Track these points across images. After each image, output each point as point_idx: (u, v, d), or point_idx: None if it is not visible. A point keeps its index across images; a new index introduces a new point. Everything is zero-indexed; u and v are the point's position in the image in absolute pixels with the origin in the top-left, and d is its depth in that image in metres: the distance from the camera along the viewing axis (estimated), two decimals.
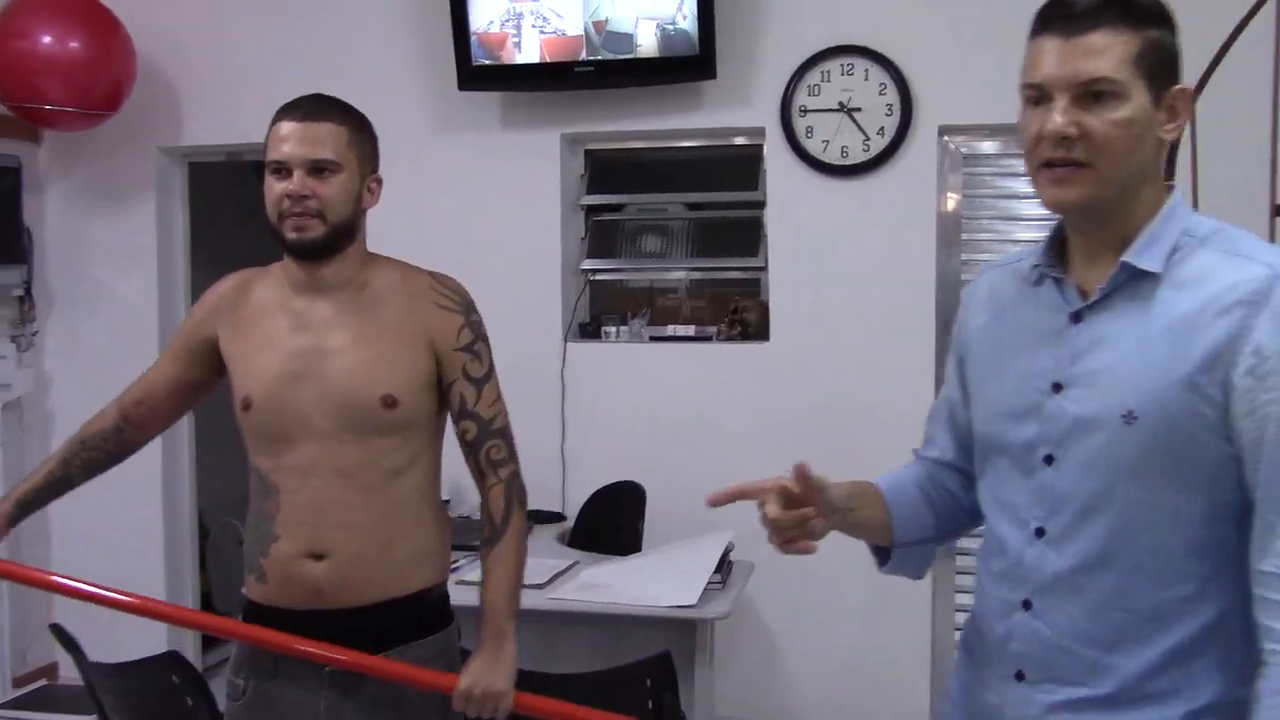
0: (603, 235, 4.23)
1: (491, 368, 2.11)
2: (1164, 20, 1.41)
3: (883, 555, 1.67)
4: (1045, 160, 1.39)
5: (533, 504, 3.89)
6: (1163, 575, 1.39)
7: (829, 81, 3.78)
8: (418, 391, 2.02)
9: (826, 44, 3.77)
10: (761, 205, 3.96)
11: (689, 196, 4.17)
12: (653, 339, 4.09)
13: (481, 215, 4.04)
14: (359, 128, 2.03)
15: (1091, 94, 1.37)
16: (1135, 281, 1.41)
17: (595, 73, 3.75)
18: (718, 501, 1.47)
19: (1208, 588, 1.39)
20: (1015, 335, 1.54)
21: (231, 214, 4.72)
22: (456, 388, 2.06)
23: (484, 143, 4.03)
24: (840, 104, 3.75)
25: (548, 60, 3.77)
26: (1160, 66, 1.39)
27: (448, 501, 2.12)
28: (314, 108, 1.98)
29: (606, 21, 3.70)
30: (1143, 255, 1.40)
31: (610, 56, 3.72)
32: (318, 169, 1.95)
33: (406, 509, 2.03)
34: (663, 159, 4.19)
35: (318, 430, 1.98)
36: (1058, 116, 1.37)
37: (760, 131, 3.88)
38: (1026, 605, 1.47)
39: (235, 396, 2.04)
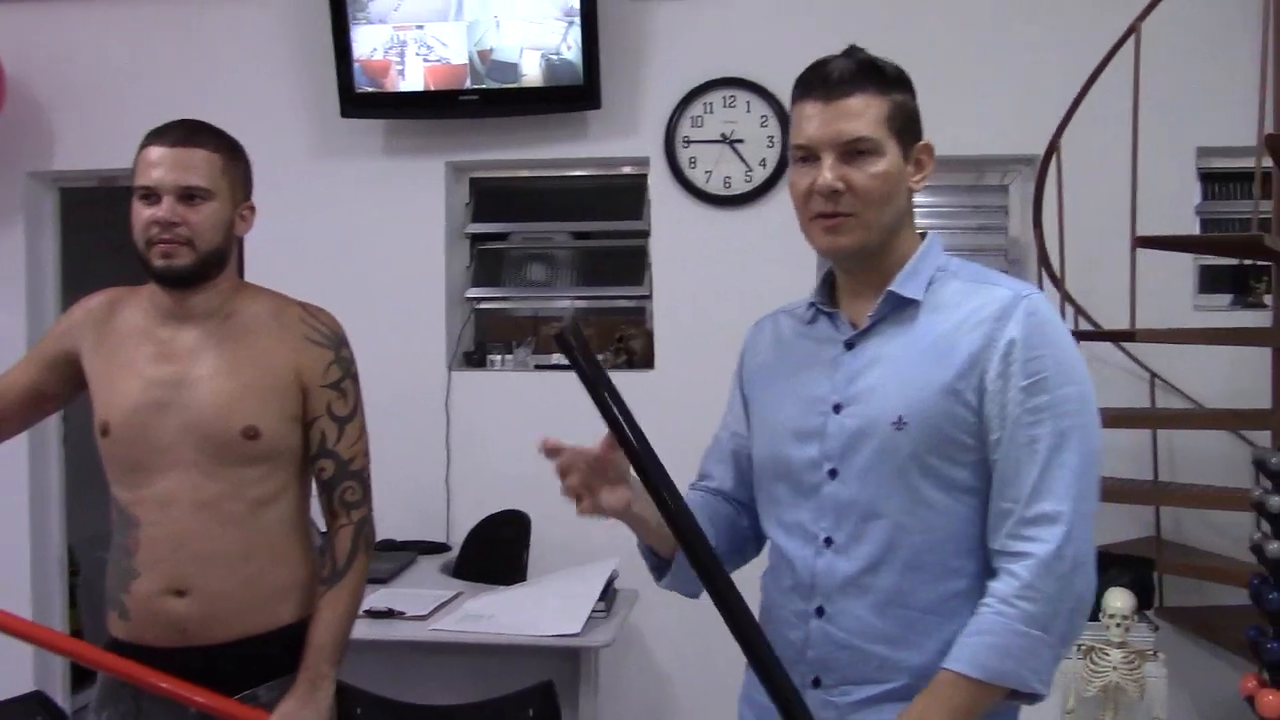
0: (488, 264, 4.22)
1: (358, 407, 2.09)
2: (907, 86, 1.60)
3: (661, 567, 1.71)
4: (818, 212, 1.55)
5: (417, 534, 3.93)
6: (938, 573, 1.53)
7: (711, 113, 3.83)
8: (283, 424, 1.99)
9: (709, 76, 3.82)
10: (646, 234, 4.00)
11: (574, 225, 4.19)
12: (537, 368, 4.08)
13: (365, 243, 3.99)
14: (232, 154, 2.00)
15: (854, 151, 1.53)
16: (899, 309, 1.58)
17: (480, 101, 3.74)
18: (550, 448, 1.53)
19: (979, 584, 1.52)
20: (796, 367, 1.68)
21: (107, 241, 4.58)
22: (319, 424, 2.04)
23: (367, 170, 3.99)
24: (723, 135, 3.81)
25: (432, 88, 3.75)
26: (907, 125, 1.57)
27: (325, 534, 2.10)
28: (186, 133, 1.94)
29: (491, 51, 3.70)
30: (905, 286, 1.57)
31: (495, 85, 3.72)
32: (188, 196, 1.92)
33: (272, 541, 1.99)
34: (548, 188, 4.20)
35: (178, 460, 1.93)
36: (827, 173, 1.53)
37: (645, 161, 3.92)
38: (820, 612, 1.58)
39: (95, 420, 1.98)
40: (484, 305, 4.21)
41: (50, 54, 4.06)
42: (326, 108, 3.88)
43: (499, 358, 4.08)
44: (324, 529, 2.09)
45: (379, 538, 3.83)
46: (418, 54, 3.73)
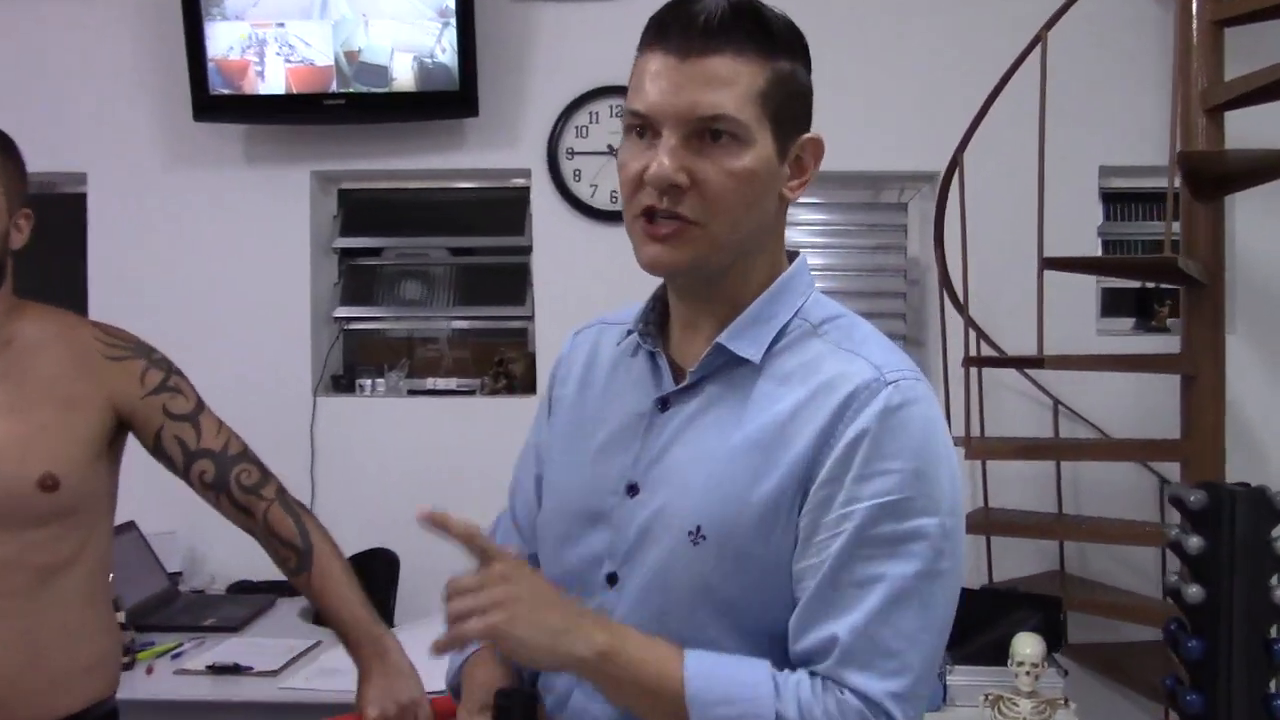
0: (359, 281, 3.92)
1: (200, 399, 1.81)
2: (797, 51, 1.17)
3: None
4: (646, 209, 1.13)
5: (277, 575, 3.59)
6: None
7: (597, 123, 3.60)
8: (86, 466, 1.69)
9: (595, 84, 3.59)
10: (528, 251, 3.75)
11: (452, 241, 3.92)
12: (411, 393, 3.80)
13: (223, 259, 3.67)
14: (3, 154, 1.70)
15: (708, 133, 1.11)
16: (732, 368, 1.18)
17: (347, 106, 3.46)
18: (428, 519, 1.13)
19: None
20: (600, 418, 1.28)
21: None
22: (168, 433, 1.75)
23: (225, 179, 3.67)
24: (609, 147, 3.59)
25: (294, 92, 3.46)
26: (788, 109, 1.15)
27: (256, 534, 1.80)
28: None
29: (359, 52, 3.43)
30: (741, 338, 1.18)
31: (363, 89, 3.44)
32: None
33: (62, 615, 1.69)
34: (424, 200, 3.92)
35: None
36: (665, 158, 1.11)
37: (526, 173, 3.67)
38: None
39: None
40: (354, 326, 3.91)
41: None
42: (179, 112, 3.55)
43: (369, 382, 3.79)
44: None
45: (237, 578, 3.56)
46: (279, 54, 3.43)
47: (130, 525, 3.34)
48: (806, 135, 1.19)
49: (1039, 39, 2.84)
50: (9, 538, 1.63)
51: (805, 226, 3.73)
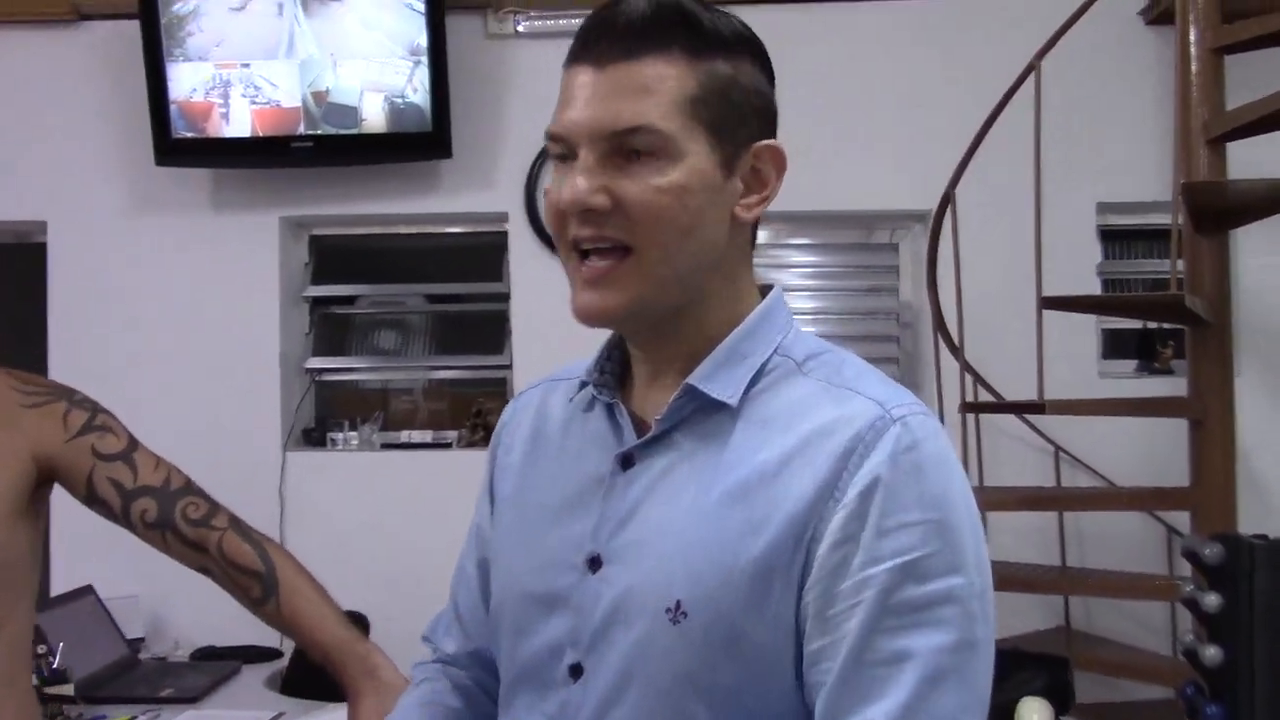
0: (331, 330, 3.78)
1: (133, 437, 1.65)
2: (739, 51, 1.03)
3: None
4: (573, 242, 1.00)
5: (245, 639, 3.43)
6: None
7: None
8: (4, 531, 1.53)
9: None
10: (507, 298, 3.61)
11: (427, 288, 3.78)
12: (385, 446, 3.65)
13: (188, 307, 3.53)
14: None
15: (630, 150, 0.97)
16: (706, 414, 1.02)
17: (315, 149, 3.33)
18: None
19: None
20: (553, 482, 1.11)
21: None
22: (99, 475, 1.59)
23: (191, 225, 3.53)
24: None
25: (260, 134, 3.33)
26: (731, 115, 1.01)
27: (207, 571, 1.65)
28: None
29: (327, 92, 3.30)
30: (714, 379, 1.02)
31: (332, 131, 3.32)
32: None
33: None
34: (399, 247, 3.79)
35: None
36: (580, 179, 0.97)
37: (504, 217, 3.54)
38: None
39: None
40: (327, 377, 3.76)
41: None
42: (142, 156, 3.42)
43: (341, 435, 3.63)
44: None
45: (203, 644, 3.39)
46: (244, 95, 3.31)
47: (87, 589, 3.18)
48: (762, 143, 1.04)
49: (1032, 68, 2.72)
50: None
51: (796, 269, 3.61)
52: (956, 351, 3.00)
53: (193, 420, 3.47)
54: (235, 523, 1.65)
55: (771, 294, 1.09)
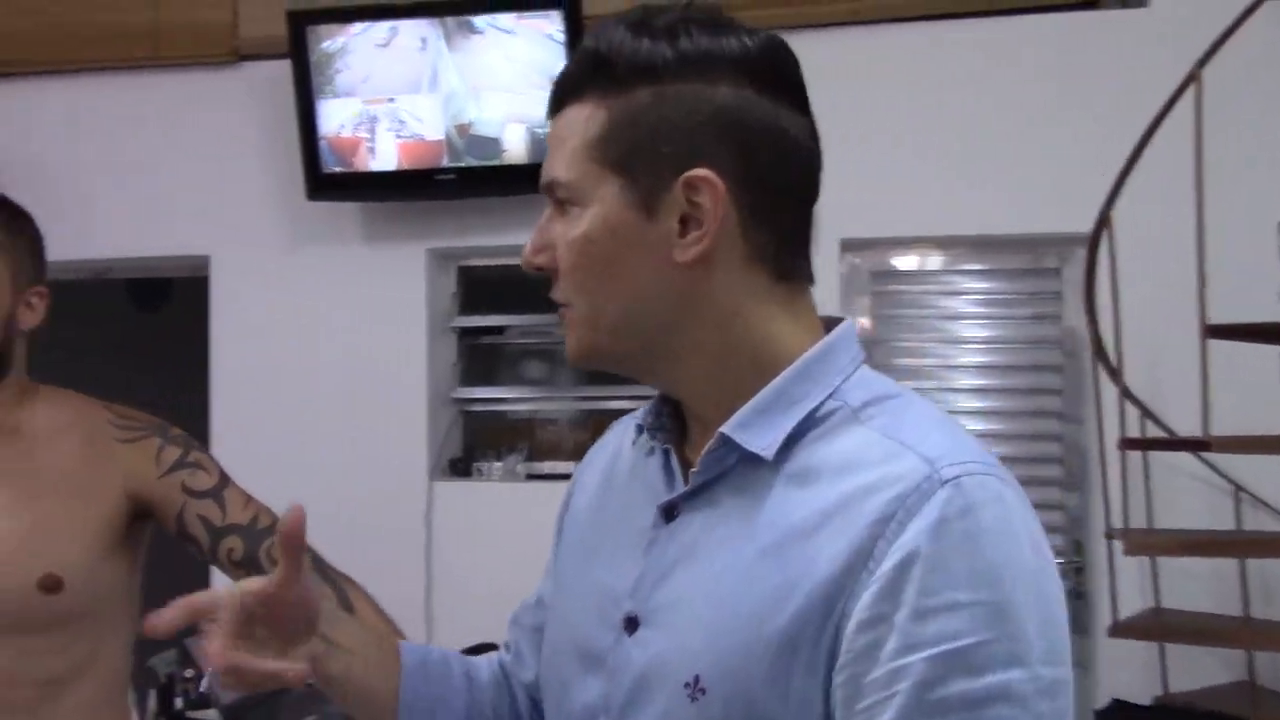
0: (479, 360, 3.80)
1: (225, 474, 1.65)
2: (663, 73, 0.91)
3: None
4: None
5: None
6: None
7: None
8: (94, 564, 1.55)
9: None
10: None
11: None
12: (530, 477, 3.63)
13: (339, 337, 3.61)
14: (11, 228, 1.58)
15: (558, 201, 0.95)
16: (747, 466, 0.92)
17: (458, 181, 3.36)
18: (159, 627, 0.91)
19: None
20: (610, 529, 1.03)
21: (66, 335, 4.29)
22: (190, 512, 1.59)
23: (342, 258, 3.61)
24: None
25: (405, 167, 3.38)
26: (645, 147, 0.90)
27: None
28: None
29: (470, 125, 3.33)
30: (750, 428, 0.91)
31: (475, 163, 3.34)
32: None
33: None
34: (546, 277, 3.77)
35: None
36: (530, 239, 0.99)
37: None
38: None
39: None
40: (474, 407, 3.78)
41: (27, 148, 3.75)
42: (295, 191, 3.52)
43: (488, 466, 3.64)
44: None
45: None
46: (389, 129, 3.36)
47: None
48: (690, 173, 0.90)
49: (1192, 77, 2.51)
50: (10, 645, 1.51)
51: (962, 295, 3.44)
52: (1115, 376, 2.79)
53: (344, 449, 3.54)
54: (317, 563, 1.63)
55: (837, 329, 0.96)
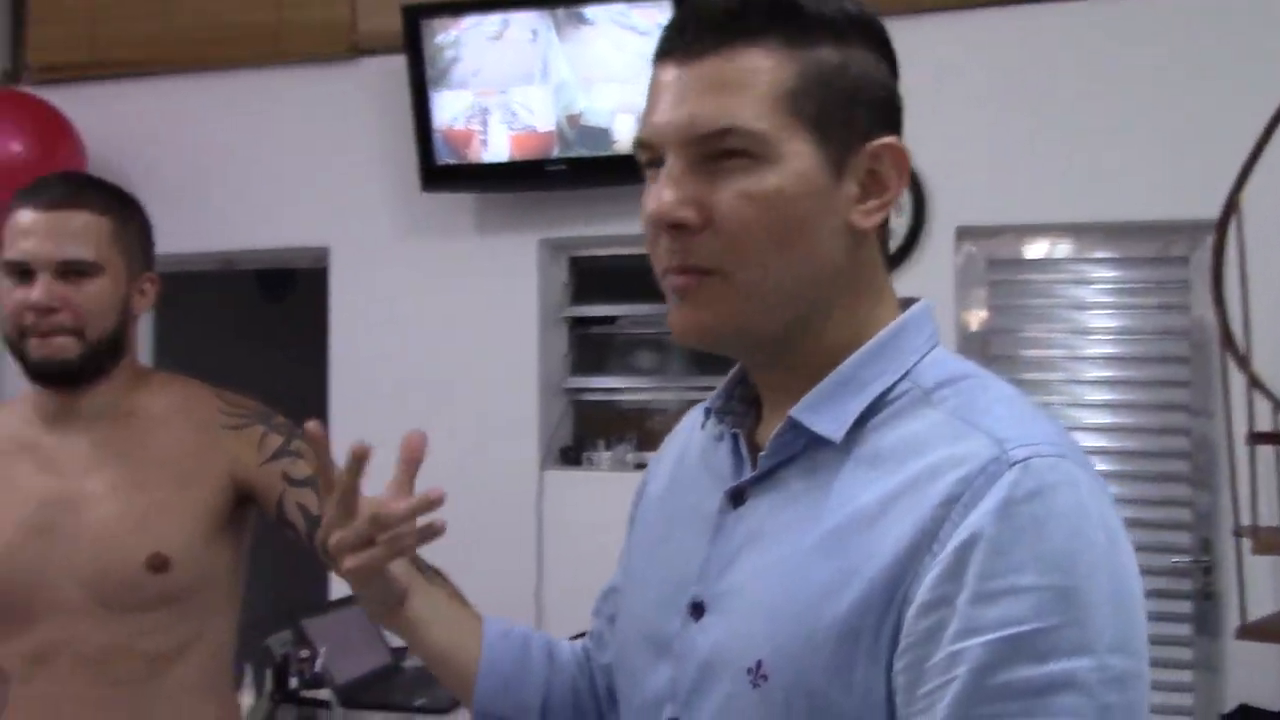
0: (590, 350, 3.81)
1: None
2: (850, 35, 0.90)
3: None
4: (664, 267, 0.91)
5: None
6: None
7: None
8: (200, 546, 1.60)
9: None
10: None
11: None
12: (639, 466, 3.63)
13: (453, 327, 3.66)
14: (123, 216, 1.63)
15: (720, 154, 0.87)
16: (815, 449, 0.90)
17: (569, 171, 3.37)
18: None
19: None
20: (680, 515, 1.01)
21: (201, 324, 4.44)
22: (289, 500, 1.63)
23: (456, 249, 3.66)
24: None
25: (517, 158, 3.41)
26: (839, 109, 0.88)
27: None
28: (66, 192, 1.58)
29: (581, 115, 3.33)
30: (819, 410, 0.90)
31: (585, 154, 3.34)
32: (70, 271, 1.56)
33: (176, 708, 1.59)
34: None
35: (63, 604, 1.55)
36: (665, 191, 0.87)
37: None
38: None
39: None
40: (584, 396, 3.79)
41: (132, 133, 3.90)
42: (410, 183, 3.57)
43: (598, 455, 3.65)
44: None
45: None
46: (502, 121, 3.39)
47: (354, 598, 3.32)
48: (879, 141, 0.90)
49: None
50: (118, 622, 1.56)
51: (1088, 285, 3.33)
52: (1244, 366, 2.67)
53: (456, 437, 3.58)
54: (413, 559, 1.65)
55: (911, 310, 0.95)
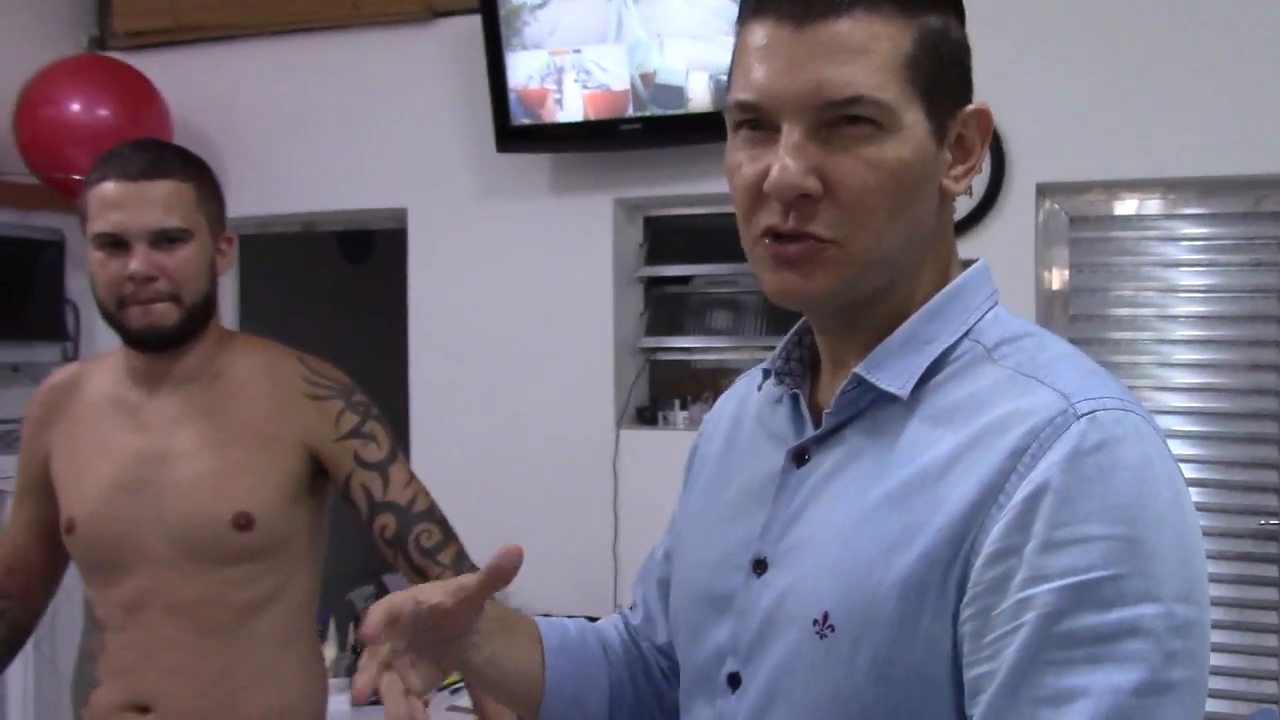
0: (665, 310, 3.81)
1: (395, 448, 1.73)
2: (947, 2, 0.92)
3: None
4: (769, 228, 0.90)
5: (581, 608, 3.54)
6: None
7: None
8: (282, 506, 1.65)
9: None
10: None
11: None
12: None
13: (529, 288, 3.68)
14: (204, 180, 1.68)
15: (843, 120, 0.86)
16: (880, 407, 0.93)
17: (644, 131, 3.36)
18: (369, 636, 0.94)
19: None
20: (739, 475, 1.04)
21: (276, 285, 4.52)
22: (356, 480, 1.68)
23: (531, 209, 3.67)
24: None
25: (591, 118, 3.40)
26: (943, 77, 0.90)
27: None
28: (150, 162, 1.62)
29: (655, 74, 3.32)
30: (885, 368, 0.92)
31: (660, 112, 3.33)
32: (163, 239, 1.60)
33: (260, 655, 1.65)
34: (732, 226, 3.74)
35: (152, 556, 1.62)
36: (789, 160, 0.86)
37: None
38: None
39: (61, 518, 1.68)
40: (660, 356, 3.80)
41: (214, 97, 3.96)
42: (486, 144, 3.59)
43: (674, 414, 3.66)
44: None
45: (539, 612, 3.53)
46: (576, 80, 3.38)
47: None
48: (970, 107, 0.93)
49: None
50: (207, 574, 1.62)
51: (1177, 242, 3.25)
52: None
53: (533, 396, 3.62)
54: (459, 560, 1.70)
55: (970, 269, 0.96)
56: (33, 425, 1.78)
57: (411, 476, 1.72)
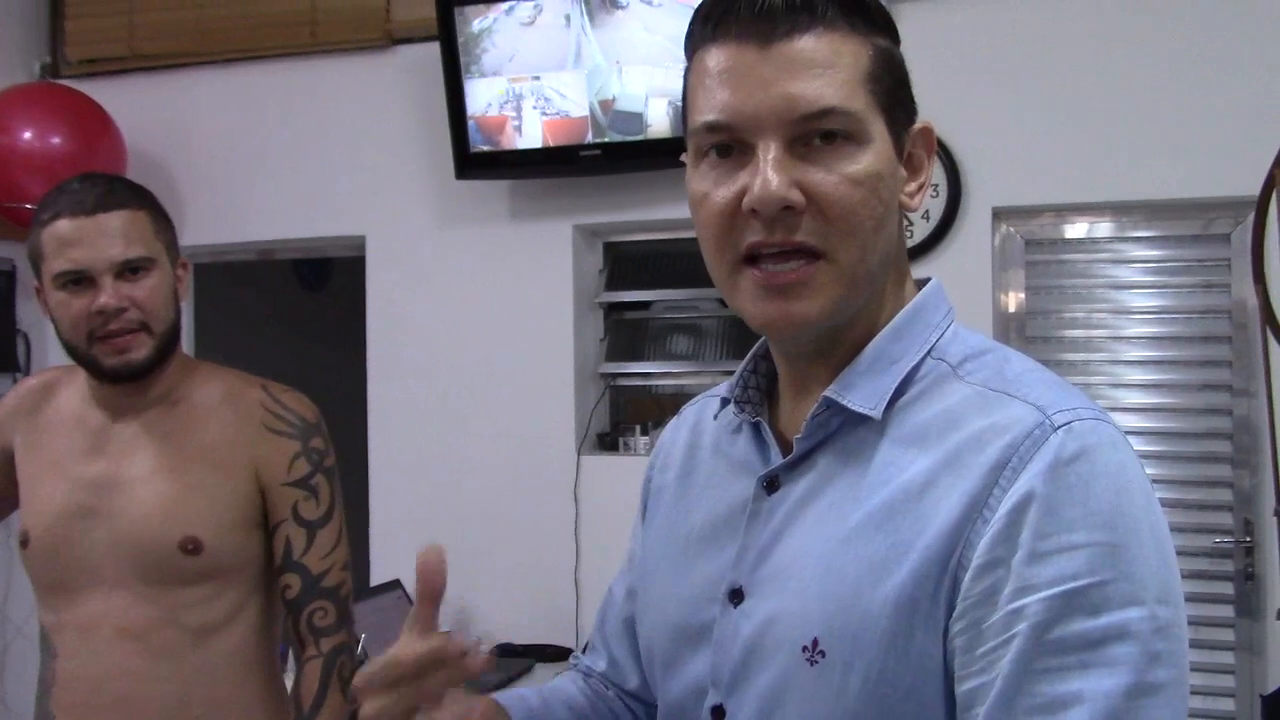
0: (626, 336, 3.82)
1: (333, 509, 1.70)
2: (891, 26, 0.95)
3: None
4: (754, 245, 0.89)
5: (542, 637, 3.52)
6: None
7: None
8: (234, 532, 1.64)
9: None
10: None
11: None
12: None
13: (488, 314, 3.67)
14: (156, 207, 1.68)
15: (817, 135, 0.87)
16: (850, 429, 0.92)
17: (603, 156, 3.37)
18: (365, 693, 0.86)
19: None
20: (701, 508, 1.03)
21: (233, 315, 4.49)
22: (283, 530, 1.67)
23: (490, 235, 3.67)
24: None
25: (550, 144, 3.41)
26: (897, 94, 0.93)
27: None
28: (102, 194, 1.60)
29: (614, 100, 3.33)
30: (854, 389, 0.92)
31: (618, 139, 3.34)
32: (128, 270, 1.59)
33: (217, 683, 1.64)
34: (691, 251, 3.75)
35: (104, 579, 1.61)
36: (771, 174, 0.86)
37: None
38: None
39: (17, 528, 1.68)
40: (620, 381, 3.80)
41: (169, 125, 3.93)
42: (445, 171, 3.58)
43: (634, 440, 3.66)
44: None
45: (502, 640, 3.51)
46: (535, 107, 3.39)
47: (395, 584, 3.35)
48: (916, 125, 0.96)
49: None
50: (161, 595, 1.61)
51: (1127, 265, 3.29)
52: None
53: (493, 423, 3.61)
54: (337, 653, 1.67)
55: (926, 287, 0.97)
56: (5, 410, 1.78)
57: (337, 543, 1.70)
